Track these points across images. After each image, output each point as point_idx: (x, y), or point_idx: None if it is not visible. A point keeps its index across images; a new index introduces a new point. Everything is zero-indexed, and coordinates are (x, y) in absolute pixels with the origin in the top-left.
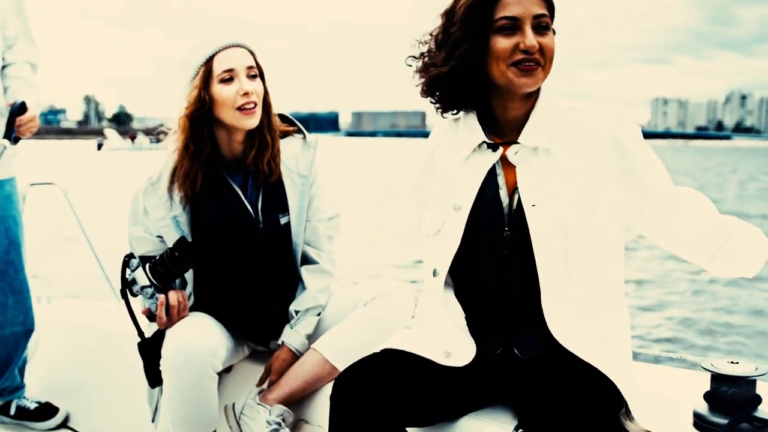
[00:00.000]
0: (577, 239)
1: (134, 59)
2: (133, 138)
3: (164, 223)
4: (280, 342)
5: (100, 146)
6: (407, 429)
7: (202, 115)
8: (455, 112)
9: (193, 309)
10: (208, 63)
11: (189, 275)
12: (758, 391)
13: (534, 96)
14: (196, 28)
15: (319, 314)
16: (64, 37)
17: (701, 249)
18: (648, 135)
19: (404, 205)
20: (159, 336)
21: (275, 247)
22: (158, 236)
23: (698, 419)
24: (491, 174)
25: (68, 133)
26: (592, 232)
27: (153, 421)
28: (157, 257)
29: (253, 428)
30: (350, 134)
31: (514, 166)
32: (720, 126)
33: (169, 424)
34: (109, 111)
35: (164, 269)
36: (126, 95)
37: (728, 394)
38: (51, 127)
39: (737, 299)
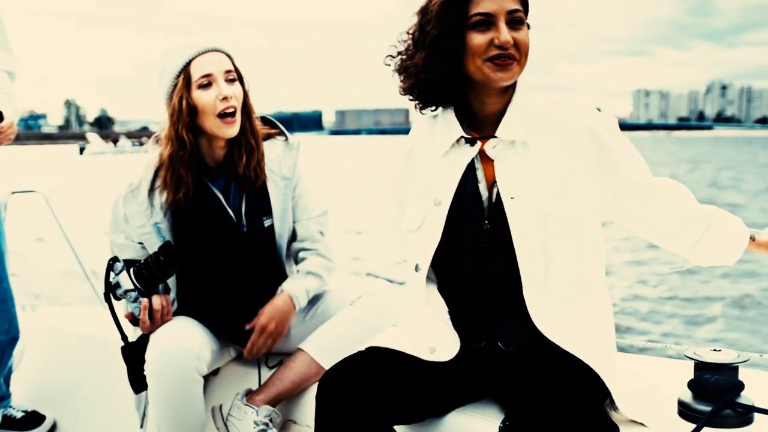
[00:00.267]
0: (556, 231)
1: (112, 60)
2: (115, 141)
3: (145, 230)
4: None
5: (82, 150)
6: (395, 427)
7: (187, 123)
8: (434, 108)
9: (177, 314)
10: (186, 69)
11: (172, 280)
12: (741, 377)
13: (510, 90)
14: (170, 25)
15: (321, 287)
16: (37, 40)
17: (681, 238)
18: (630, 127)
19: (386, 202)
20: (143, 341)
21: (259, 250)
22: (140, 243)
23: (683, 407)
24: (470, 168)
25: (49, 138)
26: (570, 223)
27: (141, 426)
28: (142, 261)
29: (241, 429)
30: (334, 133)
31: (493, 160)
32: (701, 116)
33: (155, 428)
34: (91, 115)
35: (149, 273)
36: (107, 99)
37: (712, 381)
38: (31, 132)
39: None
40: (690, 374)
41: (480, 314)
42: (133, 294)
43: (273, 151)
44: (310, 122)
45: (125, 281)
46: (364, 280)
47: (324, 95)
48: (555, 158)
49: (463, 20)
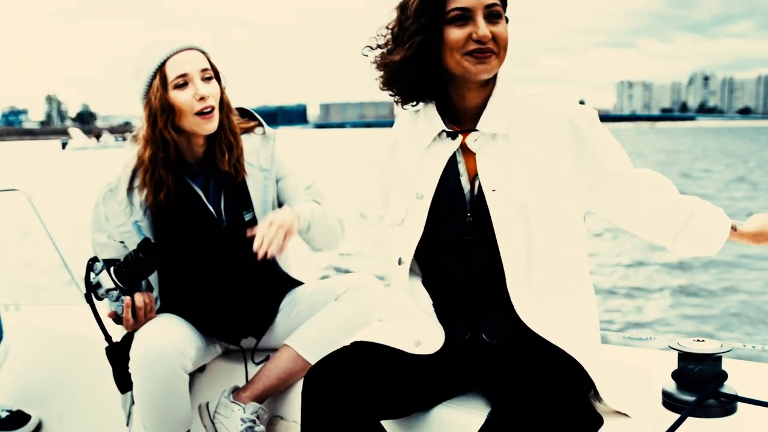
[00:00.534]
0: (538, 222)
1: (91, 54)
2: (98, 137)
3: (125, 228)
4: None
5: (64, 145)
6: (381, 422)
7: (165, 123)
8: (415, 103)
9: (161, 312)
10: (161, 69)
11: (154, 278)
12: (724, 367)
13: (491, 84)
14: (170, 25)
15: (323, 214)
16: (14, 35)
17: (663, 229)
18: (614, 118)
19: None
20: (127, 340)
21: (240, 245)
22: (121, 241)
23: (667, 398)
24: (452, 162)
25: (31, 134)
26: (551, 215)
27: (127, 425)
28: (122, 259)
29: (228, 426)
30: (319, 126)
31: (475, 154)
32: (684, 107)
33: (141, 427)
34: (73, 110)
35: (129, 271)
36: (89, 94)
37: (695, 371)
38: (12, 128)
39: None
40: (674, 365)
41: (464, 307)
42: (115, 293)
43: (250, 143)
44: (294, 116)
45: (106, 281)
46: (349, 274)
47: (309, 89)
48: (536, 151)
49: (441, 15)
